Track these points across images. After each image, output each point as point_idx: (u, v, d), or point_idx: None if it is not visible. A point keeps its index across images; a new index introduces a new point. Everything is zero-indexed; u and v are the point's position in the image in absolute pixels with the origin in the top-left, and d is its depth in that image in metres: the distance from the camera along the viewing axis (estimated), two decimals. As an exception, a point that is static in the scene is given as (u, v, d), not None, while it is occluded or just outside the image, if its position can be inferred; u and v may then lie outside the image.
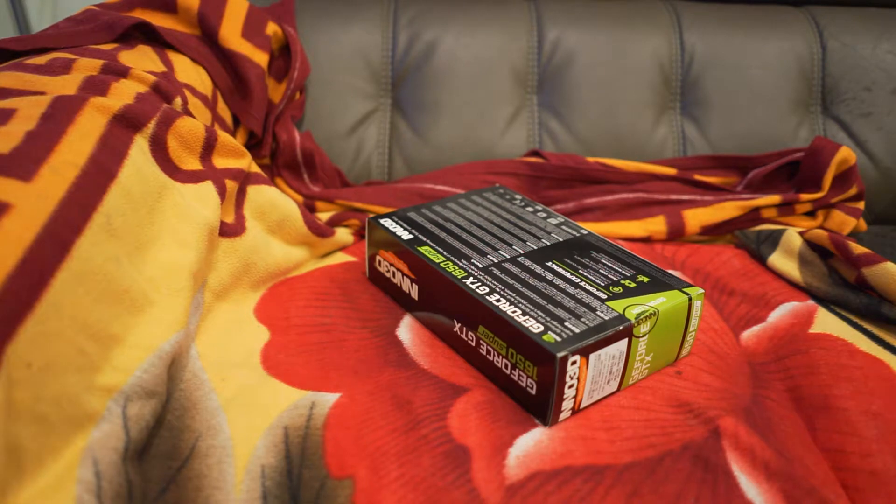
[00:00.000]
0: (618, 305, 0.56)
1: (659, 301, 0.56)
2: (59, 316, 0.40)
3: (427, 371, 0.56)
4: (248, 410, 0.50)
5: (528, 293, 0.57)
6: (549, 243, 0.66)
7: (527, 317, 0.53)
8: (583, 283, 0.58)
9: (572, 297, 0.57)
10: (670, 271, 0.64)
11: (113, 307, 0.45)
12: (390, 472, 0.46)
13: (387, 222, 0.68)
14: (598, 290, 0.58)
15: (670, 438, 0.51)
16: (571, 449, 0.49)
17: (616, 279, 0.59)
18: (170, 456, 0.46)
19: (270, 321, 0.62)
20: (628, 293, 0.57)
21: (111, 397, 0.43)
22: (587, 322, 0.53)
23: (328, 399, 0.51)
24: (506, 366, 0.54)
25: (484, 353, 0.56)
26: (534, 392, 0.52)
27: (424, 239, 0.65)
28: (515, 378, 0.53)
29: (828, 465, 0.51)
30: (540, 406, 0.52)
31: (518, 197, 0.76)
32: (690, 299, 0.57)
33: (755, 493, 0.47)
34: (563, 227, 0.69)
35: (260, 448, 0.47)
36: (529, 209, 0.73)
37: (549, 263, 0.62)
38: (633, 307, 0.55)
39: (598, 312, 0.55)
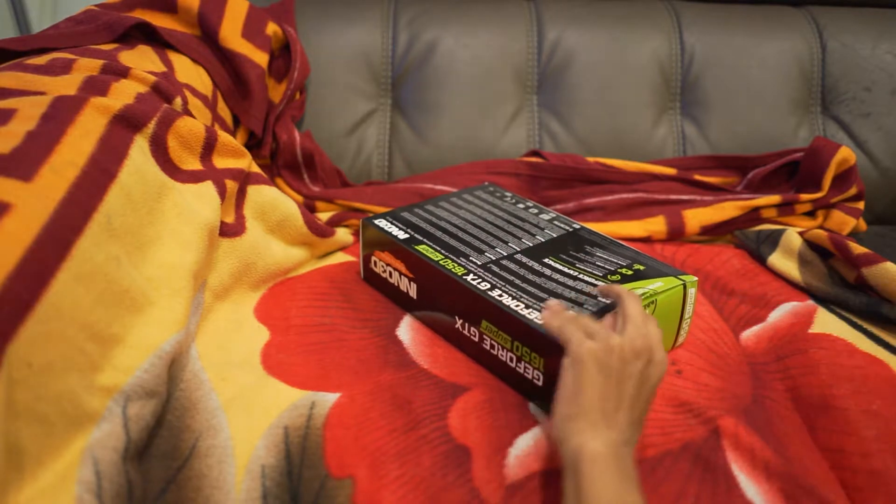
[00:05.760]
0: None
1: (657, 286, 0.57)
2: (59, 316, 0.40)
3: (427, 371, 0.56)
4: (249, 410, 0.50)
5: (529, 288, 0.57)
6: (543, 239, 0.66)
7: (530, 309, 0.54)
8: (581, 276, 0.59)
9: (572, 288, 0.57)
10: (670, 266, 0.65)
11: (113, 307, 0.45)
12: (390, 472, 0.46)
13: (381, 222, 0.68)
14: (596, 279, 0.58)
15: (670, 438, 0.51)
16: (571, 449, 0.49)
17: (613, 268, 0.60)
18: (170, 456, 0.46)
19: (270, 321, 0.62)
20: (626, 280, 0.58)
21: (111, 397, 0.43)
22: (590, 308, 0.54)
23: (328, 399, 0.51)
24: (511, 359, 0.54)
25: (487, 347, 0.56)
26: (540, 383, 0.52)
27: (421, 238, 0.65)
28: (521, 371, 0.54)
29: (828, 464, 0.51)
30: (548, 397, 0.52)
31: (508, 194, 0.77)
32: (685, 286, 0.58)
33: (755, 492, 0.47)
34: (556, 222, 0.70)
35: (260, 448, 0.47)
36: (521, 206, 0.73)
37: (546, 260, 0.62)
38: (634, 290, 0.56)
39: (599, 298, 0.55)
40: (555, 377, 0.51)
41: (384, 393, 0.53)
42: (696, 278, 0.59)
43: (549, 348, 0.51)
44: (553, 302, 0.53)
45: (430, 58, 1.01)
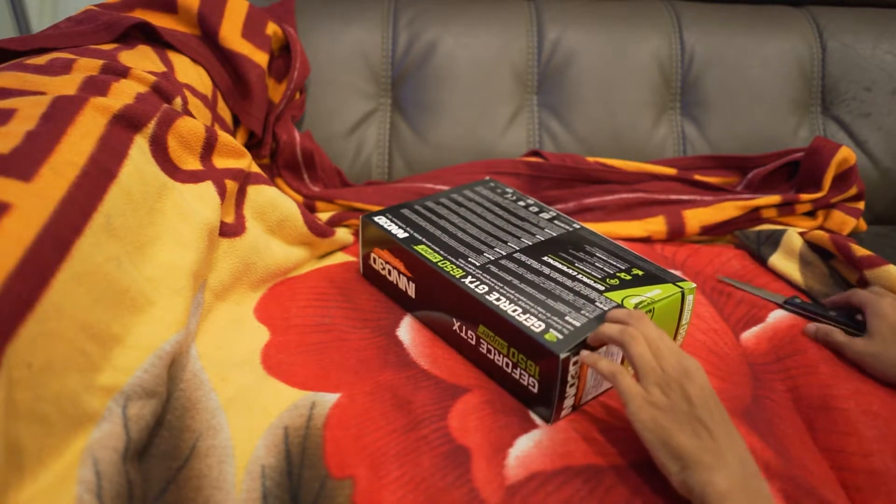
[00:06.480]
0: (616, 296, 0.56)
1: (655, 293, 0.57)
2: (59, 316, 0.40)
3: (427, 371, 0.56)
4: (249, 410, 0.50)
5: (527, 289, 0.57)
6: (543, 238, 0.66)
7: (527, 315, 0.53)
8: (580, 276, 0.59)
9: (570, 289, 0.57)
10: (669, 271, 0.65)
11: (113, 307, 0.45)
12: (390, 473, 0.46)
13: (381, 220, 0.68)
14: (595, 282, 0.58)
15: (670, 438, 0.51)
16: (571, 449, 0.49)
17: (612, 272, 0.60)
18: (170, 456, 0.46)
19: (270, 321, 0.62)
20: (624, 285, 0.58)
21: (111, 397, 0.42)
22: (587, 314, 0.54)
23: (328, 399, 0.51)
24: (507, 364, 0.54)
25: (484, 351, 0.56)
26: (536, 390, 0.52)
27: (420, 237, 0.65)
28: (517, 377, 0.53)
29: (828, 464, 0.51)
30: (542, 404, 0.52)
31: (510, 190, 0.76)
32: (683, 293, 0.58)
33: (755, 493, 0.47)
34: (556, 221, 0.70)
35: (260, 448, 0.47)
36: (521, 203, 0.73)
37: (546, 258, 0.62)
38: (631, 297, 0.56)
39: (597, 304, 0.55)
40: (549, 384, 0.51)
41: (384, 393, 0.53)
42: (694, 285, 0.59)
43: (543, 356, 0.51)
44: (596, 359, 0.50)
45: (430, 58, 1.01)
